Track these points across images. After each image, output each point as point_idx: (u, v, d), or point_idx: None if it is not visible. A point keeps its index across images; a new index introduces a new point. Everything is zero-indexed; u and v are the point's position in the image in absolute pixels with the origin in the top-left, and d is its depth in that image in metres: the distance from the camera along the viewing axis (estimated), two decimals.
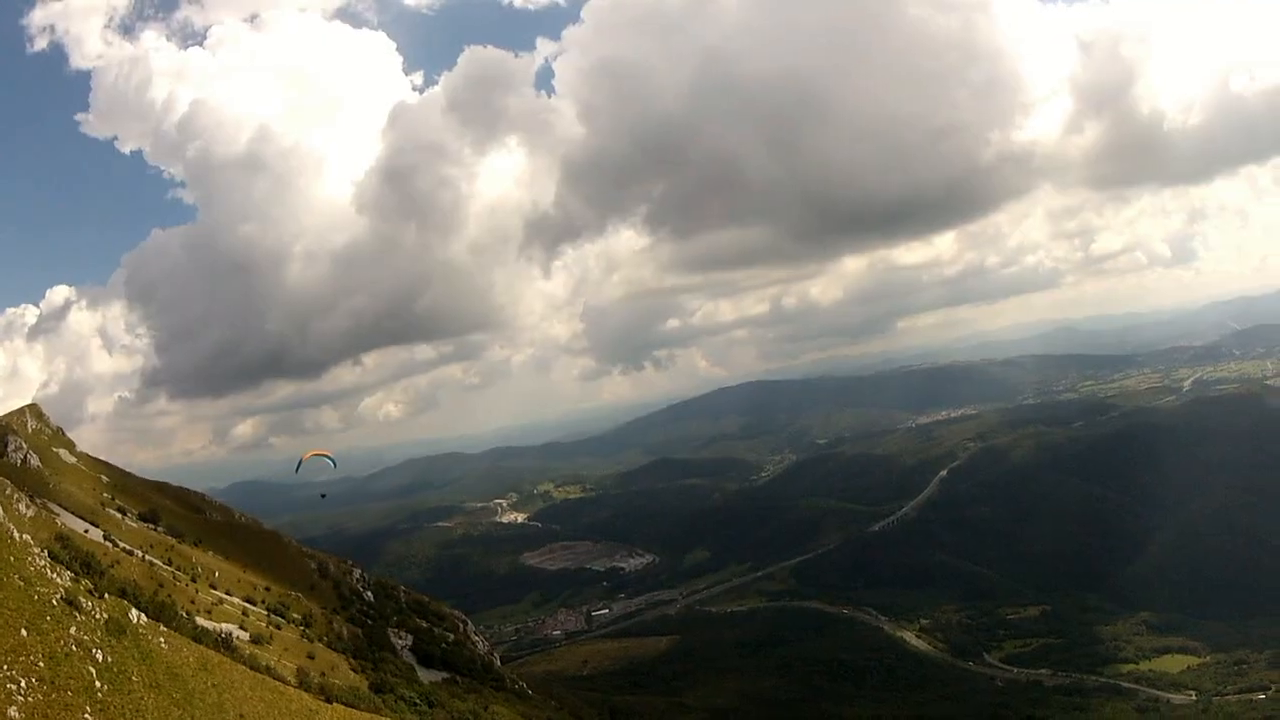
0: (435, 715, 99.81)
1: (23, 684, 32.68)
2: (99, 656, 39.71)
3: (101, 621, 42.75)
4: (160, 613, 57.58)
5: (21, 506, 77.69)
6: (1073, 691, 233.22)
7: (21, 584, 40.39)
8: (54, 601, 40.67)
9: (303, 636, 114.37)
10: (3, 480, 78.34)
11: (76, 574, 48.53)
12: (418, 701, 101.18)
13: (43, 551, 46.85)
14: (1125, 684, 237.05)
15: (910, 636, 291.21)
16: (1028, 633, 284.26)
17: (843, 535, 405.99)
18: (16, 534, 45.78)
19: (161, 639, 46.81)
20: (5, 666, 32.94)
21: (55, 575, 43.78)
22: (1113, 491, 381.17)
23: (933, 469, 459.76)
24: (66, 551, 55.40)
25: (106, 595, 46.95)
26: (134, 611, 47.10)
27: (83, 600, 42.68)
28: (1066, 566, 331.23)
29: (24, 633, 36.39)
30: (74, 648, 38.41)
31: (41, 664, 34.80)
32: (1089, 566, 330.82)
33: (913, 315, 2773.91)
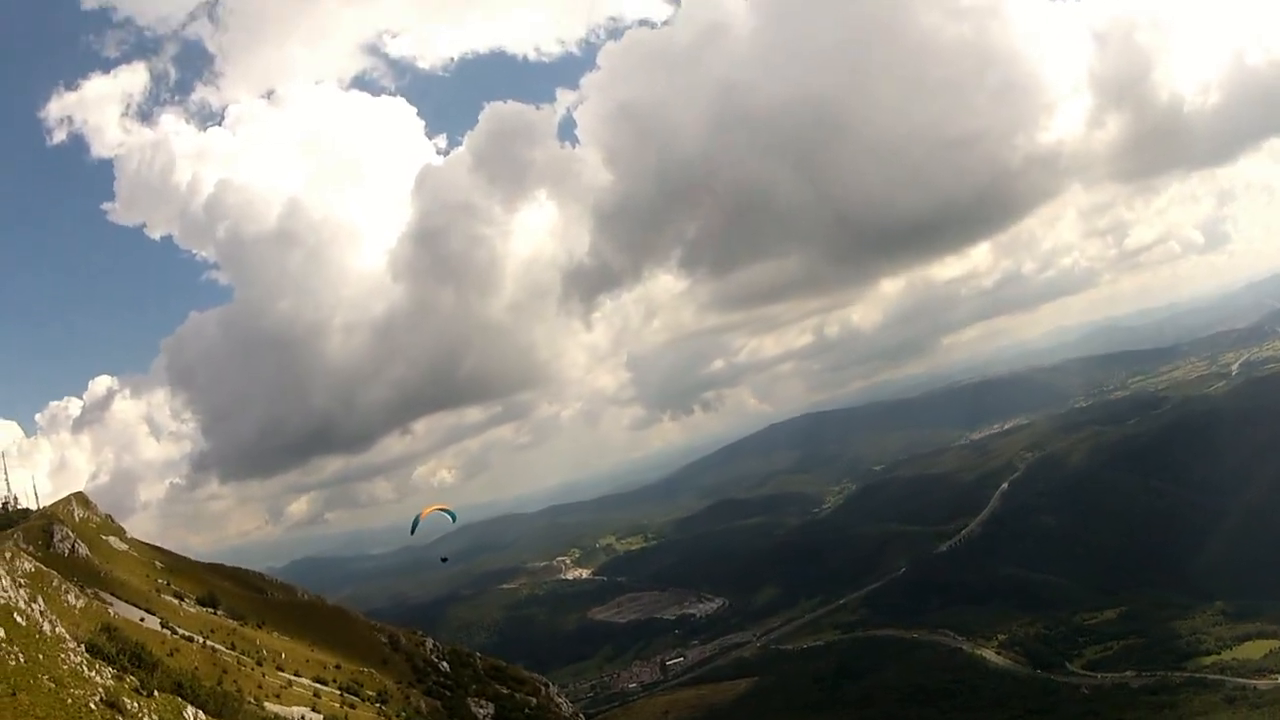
0: None
1: None
2: None
3: None
4: (223, 705, 50.81)
5: (70, 598, 71.77)
6: (1159, 690, 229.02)
7: (52, 686, 33.69)
8: (91, 705, 33.95)
9: (379, 714, 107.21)
10: (48, 572, 72.37)
11: (123, 669, 41.85)
12: None
13: (79, 647, 40.24)
14: (1210, 676, 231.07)
15: (990, 654, 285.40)
16: (1107, 636, 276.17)
17: (910, 558, 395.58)
18: (48, 628, 39.29)
19: None
20: None
21: (94, 674, 37.13)
22: (1173, 484, 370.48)
23: (993, 483, 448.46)
24: (114, 643, 48.78)
25: (156, 693, 40.11)
26: (190, 710, 40.32)
27: (127, 701, 35.96)
28: (1136, 565, 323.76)
29: None
30: None
31: None
32: (1159, 562, 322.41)
33: (954, 331, 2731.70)
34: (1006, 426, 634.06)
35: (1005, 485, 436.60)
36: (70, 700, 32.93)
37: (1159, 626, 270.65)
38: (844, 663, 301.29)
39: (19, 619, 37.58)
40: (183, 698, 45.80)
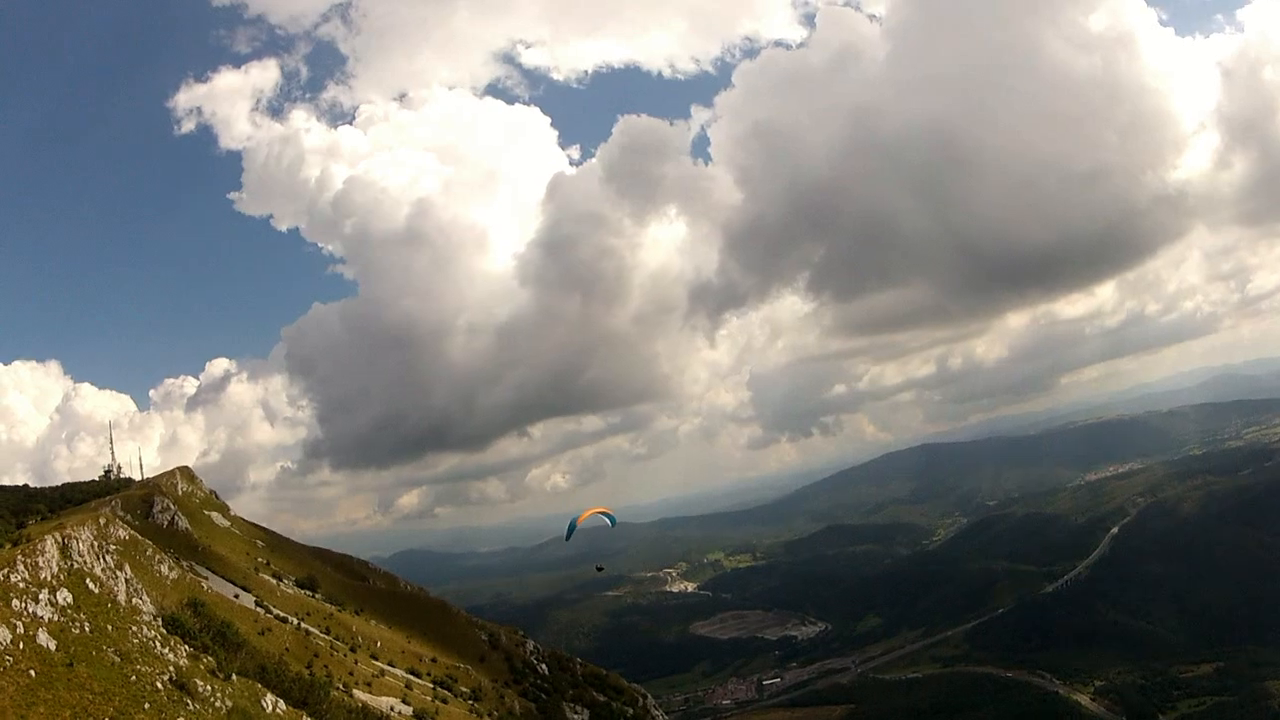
0: None
1: None
2: None
3: (222, 712, 32.75)
4: (308, 694, 47.52)
5: (163, 569, 69.82)
6: None
7: (116, 660, 30.58)
8: (159, 684, 30.73)
9: (471, 711, 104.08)
10: (143, 541, 70.51)
11: (203, 648, 38.73)
12: None
13: (155, 620, 37.24)
14: None
15: (1085, 700, 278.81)
16: (1201, 690, 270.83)
17: (1016, 597, 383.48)
18: (123, 597, 36.43)
19: None
20: None
21: (168, 650, 34.03)
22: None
23: (1103, 527, 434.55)
24: (199, 619, 45.92)
25: (235, 677, 36.81)
26: (269, 698, 36.95)
27: (199, 684, 32.73)
28: (1239, 620, 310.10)
29: None
30: None
31: None
32: (1262, 619, 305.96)
33: (1074, 370, 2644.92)
34: (1121, 470, 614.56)
35: (1115, 530, 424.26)
36: (134, 677, 29.77)
37: (1254, 685, 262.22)
38: (940, 698, 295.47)
39: (91, 585, 34.73)
40: (264, 683, 42.63)
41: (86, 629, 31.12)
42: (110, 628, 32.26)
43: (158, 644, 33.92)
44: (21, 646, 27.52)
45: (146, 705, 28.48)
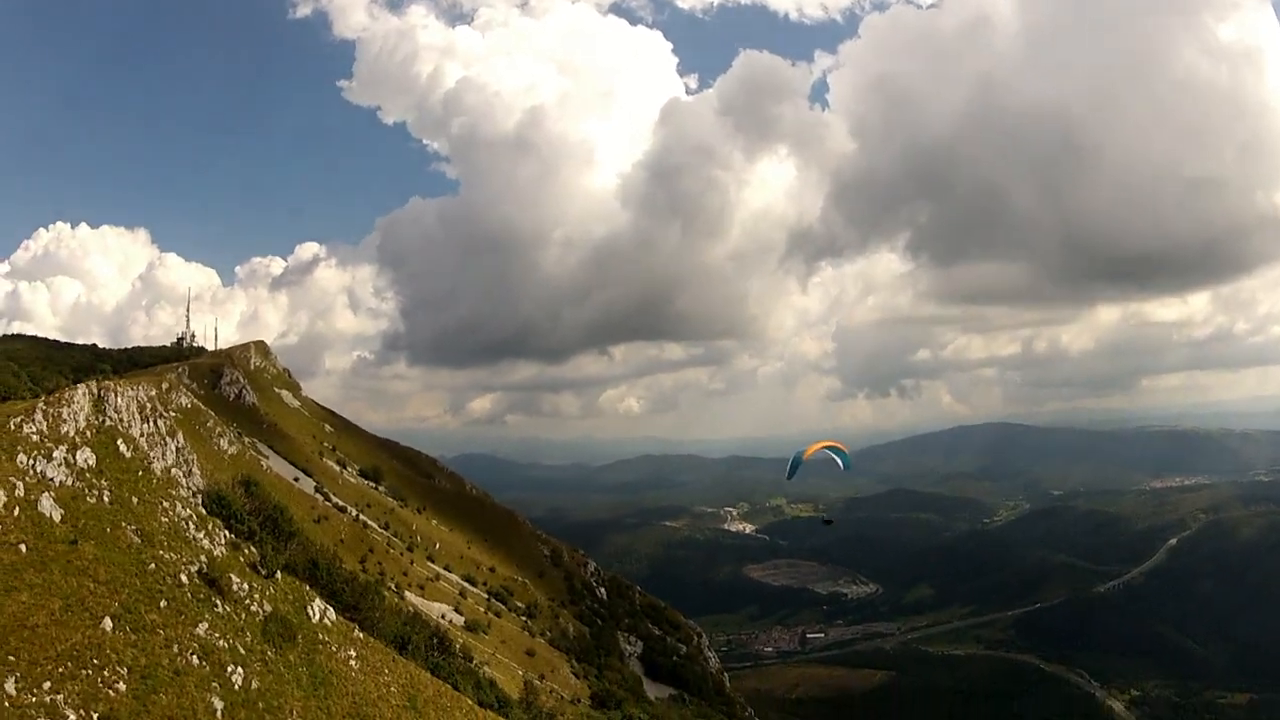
0: None
1: None
2: (236, 679, 24.00)
3: (258, 618, 27.25)
4: (361, 598, 42.42)
5: (223, 442, 65.81)
6: None
7: (136, 542, 25.06)
8: (183, 577, 25.23)
9: (524, 629, 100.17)
10: (205, 411, 66.36)
11: (246, 535, 33.34)
12: None
13: (194, 498, 31.77)
14: None
15: (1119, 707, 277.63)
16: None
17: (1067, 592, 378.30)
18: (159, 466, 31.01)
19: (352, 652, 30.86)
20: (38, 686, 17.45)
21: (203, 535, 28.56)
22: None
23: (1162, 536, 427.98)
24: (251, 500, 40.62)
25: (279, 575, 31.30)
26: (317, 604, 31.43)
27: (234, 580, 27.25)
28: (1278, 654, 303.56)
29: (107, 624, 20.77)
30: (193, 659, 22.92)
31: (118, 686, 19.43)
32: None
33: (1157, 375, 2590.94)
34: (1188, 482, 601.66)
35: (1174, 541, 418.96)
36: (154, 565, 24.23)
37: None
38: (979, 681, 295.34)
39: (124, 448, 29.21)
40: (313, 583, 37.32)
41: (105, 499, 25.65)
42: (136, 500, 26.81)
43: (191, 526, 28.44)
44: (16, 513, 22.09)
45: (163, 604, 23.00)
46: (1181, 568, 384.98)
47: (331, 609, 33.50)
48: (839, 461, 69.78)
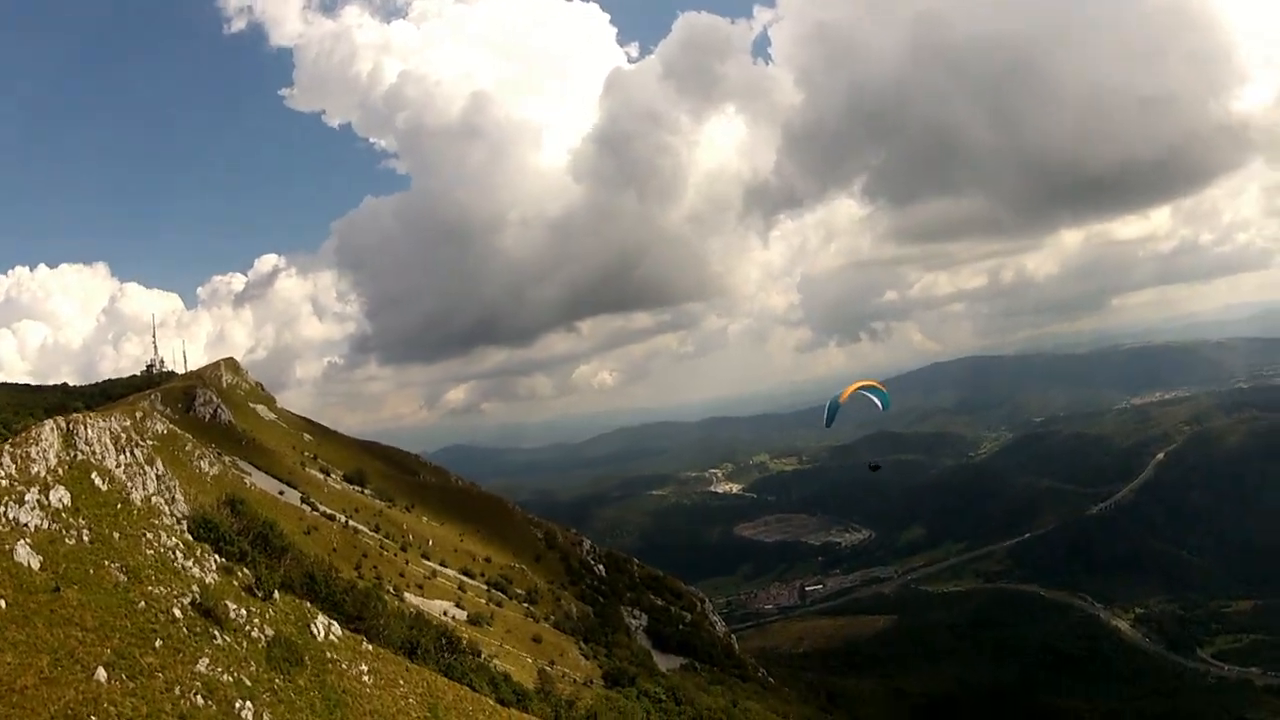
0: (684, 713, 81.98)
1: None
2: (246, 714, 22.67)
3: (260, 645, 25.90)
4: (363, 606, 41.12)
5: (203, 464, 64.14)
6: None
7: (123, 580, 23.61)
8: (176, 611, 23.81)
9: (527, 615, 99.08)
10: (182, 435, 64.66)
11: (238, 557, 31.90)
12: (662, 697, 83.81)
13: (179, 525, 30.23)
14: None
15: (1124, 625, 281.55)
16: (1240, 628, 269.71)
17: (1059, 517, 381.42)
18: (139, 496, 29.45)
19: (363, 667, 29.54)
20: None
21: (192, 563, 27.12)
22: None
23: (1149, 452, 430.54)
24: (238, 519, 39.18)
25: (277, 594, 29.90)
26: (321, 620, 30.08)
27: (230, 606, 25.86)
28: (1278, 559, 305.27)
29: (101, 675, 19.36)
30: (197, 700, 21.58)
31: None
32: None
33: (1126, 293, 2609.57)
34: (1168, 396, 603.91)
35: (1161, 455, 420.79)
36: (144, 603, 22.81)
37: None
38: (982, 613, 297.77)
39: (99, 481, 27.60)
40: (313, 597, 35.97)
41: (85, 538, 24.14)
42: (117, 536, 25.31)
43: (179, 555, 26.97)
44: None
45: (158, 643, 21.59)
46: (1171, 482, 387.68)
47: (335, 623, 32.17)
48: (877, 402, 65.37)
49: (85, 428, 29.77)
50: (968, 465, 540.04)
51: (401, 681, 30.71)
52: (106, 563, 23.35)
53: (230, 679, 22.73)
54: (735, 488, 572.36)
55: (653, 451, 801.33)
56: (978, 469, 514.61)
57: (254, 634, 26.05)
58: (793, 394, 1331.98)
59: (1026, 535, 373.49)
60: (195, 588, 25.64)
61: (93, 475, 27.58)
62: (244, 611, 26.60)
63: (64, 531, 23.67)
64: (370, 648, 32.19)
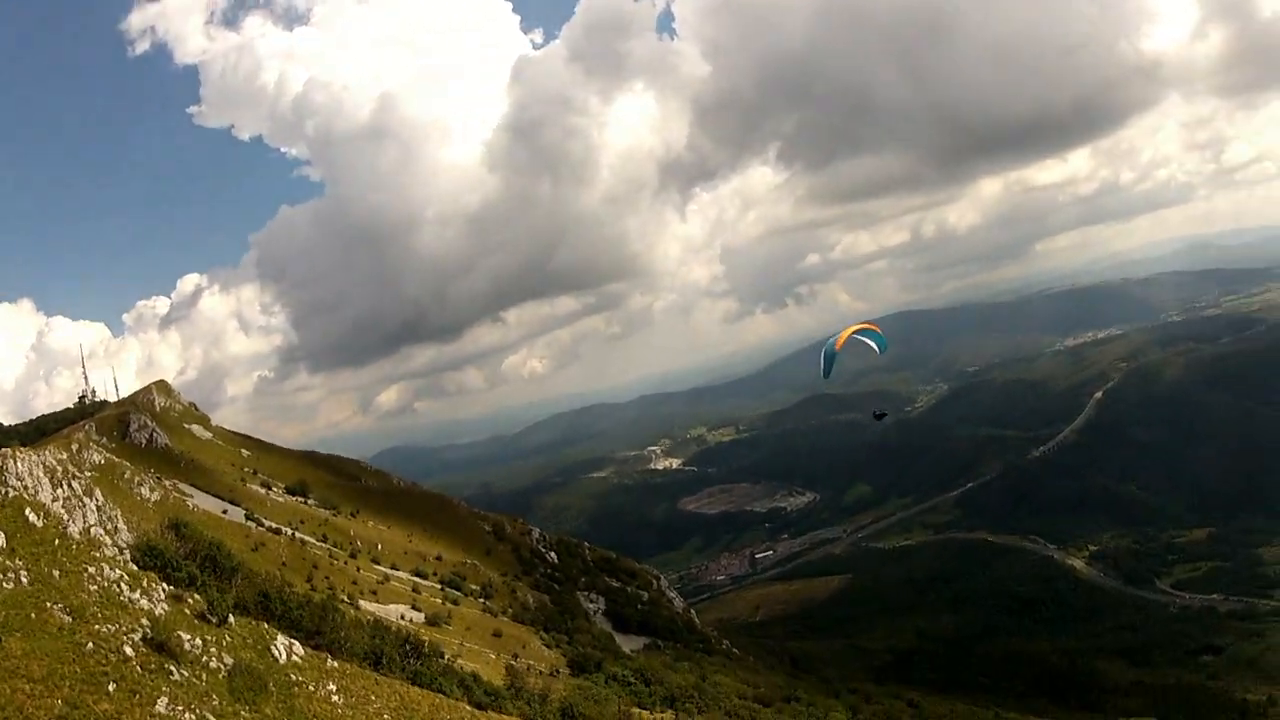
0: (654, 693, 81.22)
1: None
2: None
3: (220, 675, 24.51)
4: (322, 619, 39.63)
5: (144, 490, 61.95)
6: (1246, 616, 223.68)
7: (67, 621, 22.10)
8: (127, 649, 22.36)
9: (485, 610, 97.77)
10: (119, 463, 62.33)
11: (187, 583, 30.30)
12: (631, 679, 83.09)
13: (122, 556, 28.52)
14: None
15: (1079, 564, 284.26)
16: (1196, 557, 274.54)
17: (1003, 463, 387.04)
18: (77, 529, 27.70)
19: (331, 686, 28.22)
20: None
21: (139, 595, 25.59)
22: (1266, 406, 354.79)
23: (1086, 392, 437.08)
24: (184, 543, 37.46)
25: (232, 618, 28.43)
26: (281, 641, 28.71)
27: (184, 637, 24.42)
28: (1227, 487, 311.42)
29: None
30: None
31: None
32: (1249, 486, 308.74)
33: (1049, 238, 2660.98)
34: (1100, 336, 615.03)
35: (1100, 394, 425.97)
36: (92, 645, 21.29)
37: (1247, 552, 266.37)
38: (935, 565, 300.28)
39: (33, 517, 25.82)
40: (268, 617, 34.47)
41: (24, 579, 22.45)
42: (58, 574, 23.67)
43: (125, 587, 25.34)
44: None
45: (111, 686, 20.10)
46: (1112, 419, 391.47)
47: (296, 642, 30.75)
48: (873, 345, 62.49)
49: (15, 462, 27.96)
50: (906, 420, 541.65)
51: (373, 697, 29.38)
52: (49, 604, 21.76)
53: (192, 716, 21.32)
54: (675, 463, 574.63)
55: (590, 434, 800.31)
56: (916, 423, 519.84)
57: (212, 664, 24.62)
58: (724, 365, 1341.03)
59: (971, 485, 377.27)
60: (145, 621, 24.12)
61: (26, 511, 25.80)
62: (199, 641, 25.12)
63: (2, 576, 22.04)
64: (335, 664, 30.81)
